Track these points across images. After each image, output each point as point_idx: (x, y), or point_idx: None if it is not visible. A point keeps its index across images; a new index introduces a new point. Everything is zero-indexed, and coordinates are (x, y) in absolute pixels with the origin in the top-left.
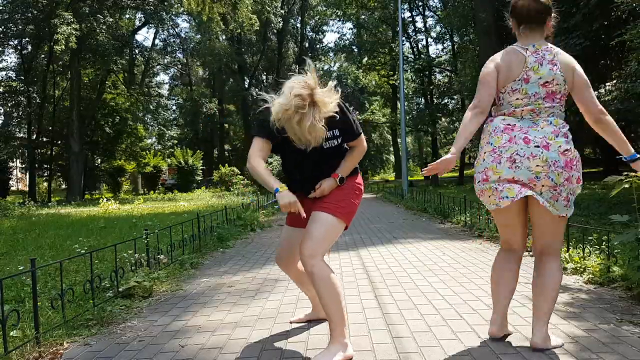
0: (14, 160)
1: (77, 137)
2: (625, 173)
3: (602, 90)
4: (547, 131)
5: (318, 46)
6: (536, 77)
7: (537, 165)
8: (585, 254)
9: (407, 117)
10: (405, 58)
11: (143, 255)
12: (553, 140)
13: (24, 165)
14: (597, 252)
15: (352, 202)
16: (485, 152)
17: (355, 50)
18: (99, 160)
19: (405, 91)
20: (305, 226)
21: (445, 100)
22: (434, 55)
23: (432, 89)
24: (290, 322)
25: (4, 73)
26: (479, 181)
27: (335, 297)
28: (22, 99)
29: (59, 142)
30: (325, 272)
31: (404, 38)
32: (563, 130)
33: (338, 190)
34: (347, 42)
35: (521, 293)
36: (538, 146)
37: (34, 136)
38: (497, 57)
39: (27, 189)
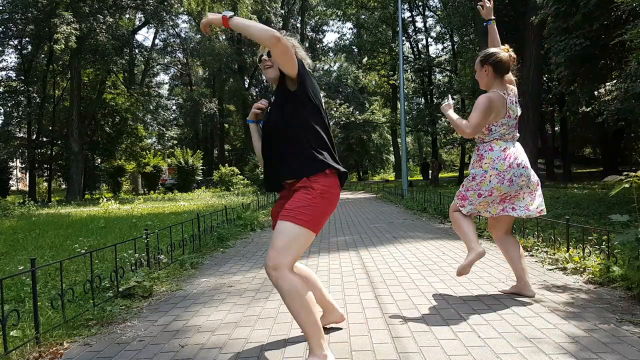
0: (14, 160)
1: (77, 137)
2: (625, 173)
3: (602, 90)
4: (524, 153)
5: (318, 46)
6: (513, 114)
7: (522, 181)
8: (585, 254)
9: (407, 117)
10: (405, 58)
11: (143, 255)
12: (528, 160)
13: (24, 165)
14: (597, 252)
15: (318, 207)
16: (491, 175)
17: (355, 50)
18: (99, 160)
19: (405, 91)
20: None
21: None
22: (434, 55)
23: (432, 89)
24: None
25: (4, 73)
26: (485, 196)
27: (306, 308)
28: (22, 99)
29: (59, 142)
30: (292, 284)
31: (404, 38)
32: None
33: (302, 195)
34: (347, 42)
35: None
36: (524, 167)
37: (34, 136)
38: (494, 97)
39: (27, 188)
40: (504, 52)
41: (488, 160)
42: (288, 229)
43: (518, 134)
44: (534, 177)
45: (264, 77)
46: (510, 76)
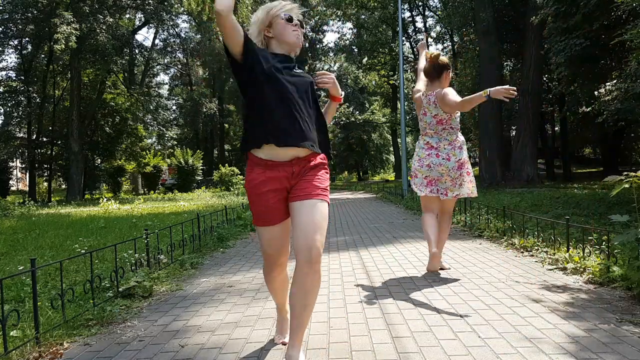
0: (14, 160)
1: (77, 137)
2: (625, 173)
3: (602, 90)
4: (449, 148)
5: (318, 46)
6: (429, 113)
7: (442, 169)
8: (585, 254)
9: (407, 117)
10: (405, 58)
11: (143, 255)
12: (452, 153)
13: (24, 165)
14: (597, 252)
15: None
16: (415, 161)
17: (355, 50)
18: (99, 160)
19: (405, 91)
20: (277, 221)
21: None
22: None
23: None
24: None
25: (4, 73)
26: (414, 176)
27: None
28: (22, 99)
29: (59, 142)
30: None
31: (404, 38)
32: (457, 144)
33: (325, 174)
34: (347, 42)
35: (521, 293)
36: (444, 159)
37: (34, 136)
38: (415, 93)
39: (27, 188)
40: (427, 58)
41: (417, 150)
42: (326, 210)
43: (447, 134)
44: (463, 170)
45: None
46: (444, 79)
